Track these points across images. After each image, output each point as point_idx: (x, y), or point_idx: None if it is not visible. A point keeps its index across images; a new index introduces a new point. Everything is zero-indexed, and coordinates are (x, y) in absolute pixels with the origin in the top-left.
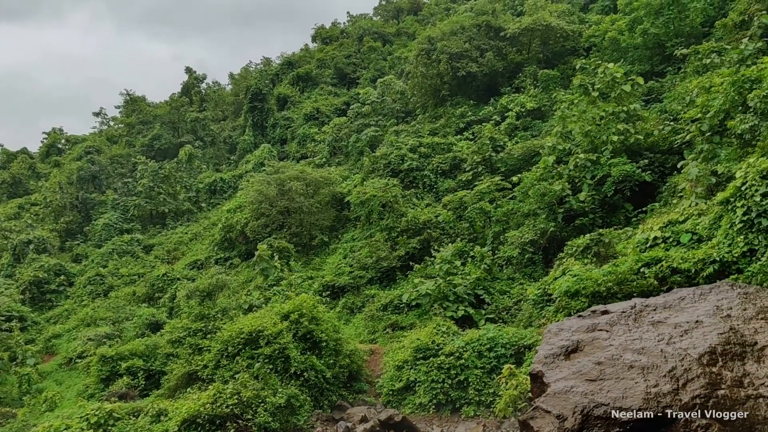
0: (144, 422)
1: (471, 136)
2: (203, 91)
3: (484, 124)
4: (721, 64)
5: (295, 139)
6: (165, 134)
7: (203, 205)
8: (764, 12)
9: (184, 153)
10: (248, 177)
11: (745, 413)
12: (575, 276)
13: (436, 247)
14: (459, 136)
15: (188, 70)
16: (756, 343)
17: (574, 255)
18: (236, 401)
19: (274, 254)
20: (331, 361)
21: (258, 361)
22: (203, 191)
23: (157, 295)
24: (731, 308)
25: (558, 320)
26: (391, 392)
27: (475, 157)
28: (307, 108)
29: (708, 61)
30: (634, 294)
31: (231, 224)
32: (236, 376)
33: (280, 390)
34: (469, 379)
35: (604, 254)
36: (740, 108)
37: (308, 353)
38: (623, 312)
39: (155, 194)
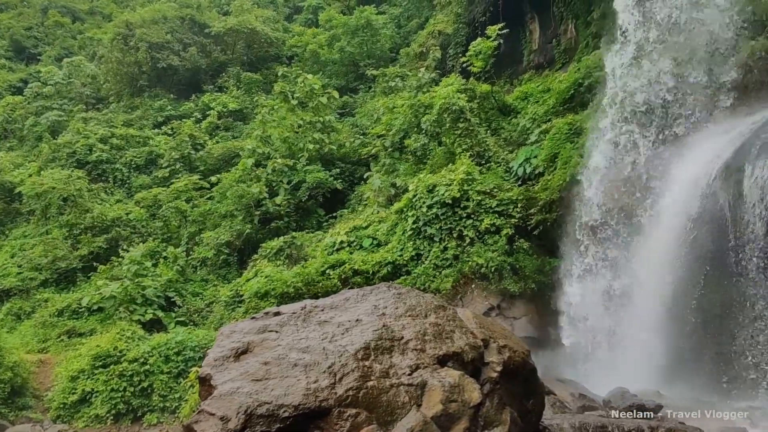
0: None
1: (170, 132)
2: None
3: (184, 120)
4: (404, 88)
5: None
6: None
7: None
8: (438, 47)
9: None
10: None
11: (389, 400)
12: (267, 277)
13: (125, 247)
14: (157, 130)
15: None
16: (402, 337)
17: (267, 257)
18: None
19: None
20: None
21: None
22: None
23: None
24: (386, 307)
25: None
26: (62, 406)
27: (174, 153)
28: None
29: (393, 83)
30: (320, 294)
31: None
32: None
33: None
34: (154, 386)
35: (296, 256)
36: (416, 129)
37: None
38: (294, 313)
39: None
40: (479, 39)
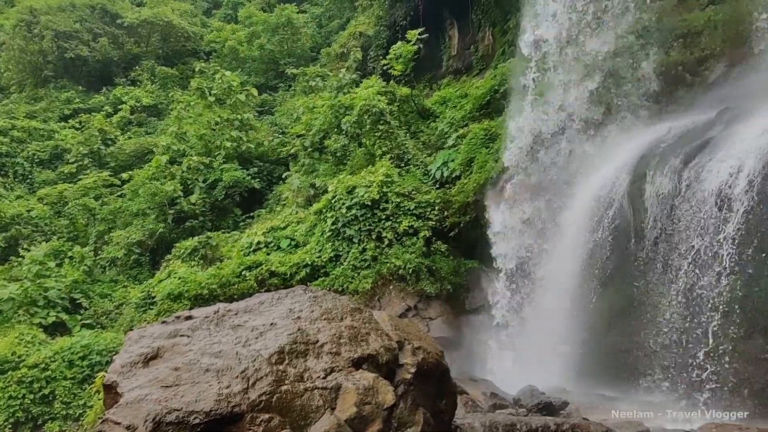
0: None
1: (78, 125)
2: None
3: (94, 113)
4: (324, 88)
5: None
6: None
7: None
8: (359, 48)
9: None
10: None
11: (303, 404)
12: (180, 278)
13: (26, 246)
14: (63, 124)
15: None
16: (318, 341)
17: (181, 257)
18: None
19: None
20: None
21: None
22: None
23: None
24: (302, 310)
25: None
26: None
27: (82, 148)
28: None
29: (313, 83)
30: (235, 296)
31: None
32: None
33: None
34: (56, 392)
35: (212, 257)
36: (336, 129)
37: None
38: (207, 317)
39: None
40: (400, 43)
